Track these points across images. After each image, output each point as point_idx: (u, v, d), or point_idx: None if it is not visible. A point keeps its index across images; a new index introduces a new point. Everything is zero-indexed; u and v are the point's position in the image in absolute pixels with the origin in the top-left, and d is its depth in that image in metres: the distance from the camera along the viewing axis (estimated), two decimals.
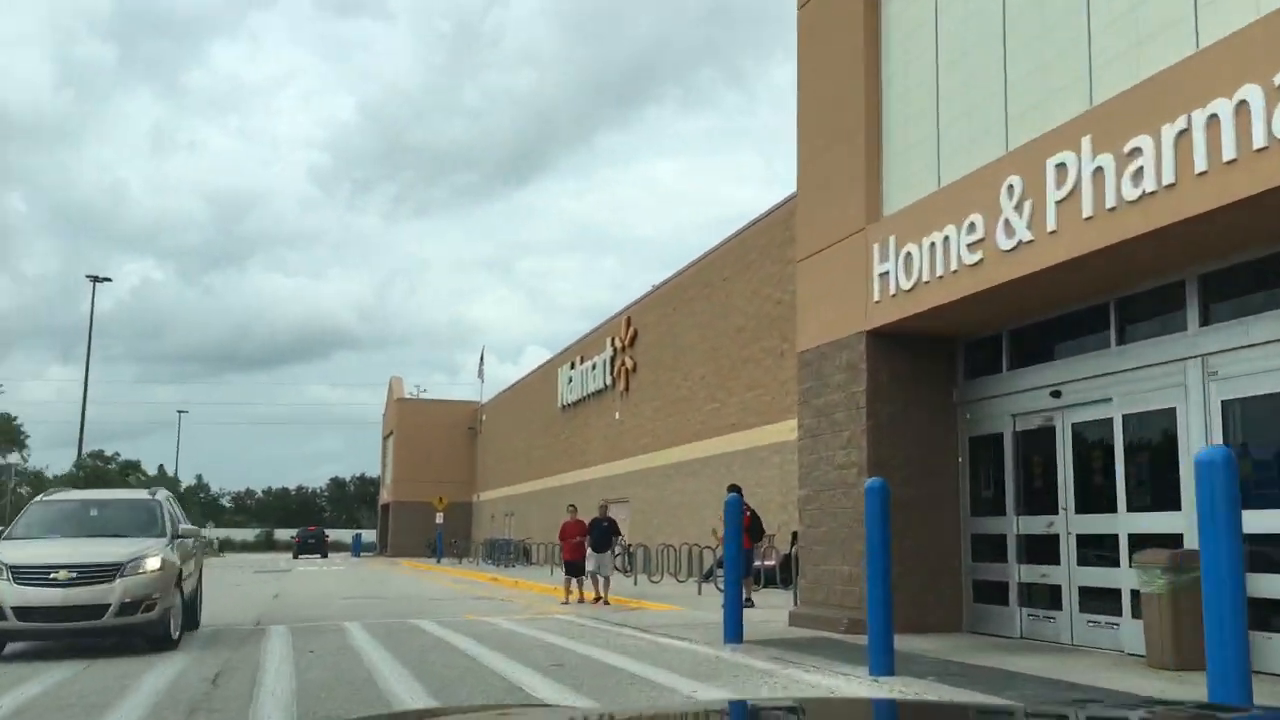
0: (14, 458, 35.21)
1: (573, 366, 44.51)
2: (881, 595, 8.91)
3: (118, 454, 57.93)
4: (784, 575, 22.70)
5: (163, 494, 14.35)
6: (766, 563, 22.95)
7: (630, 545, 33.72)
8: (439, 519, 53.55)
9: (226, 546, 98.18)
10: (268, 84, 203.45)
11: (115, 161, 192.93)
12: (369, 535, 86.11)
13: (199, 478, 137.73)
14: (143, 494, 15.04)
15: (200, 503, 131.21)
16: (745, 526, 18.18)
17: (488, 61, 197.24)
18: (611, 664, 10.50)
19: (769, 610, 16.23)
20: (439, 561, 51.12)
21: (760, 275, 27.33)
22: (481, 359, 64.41)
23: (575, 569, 20.60)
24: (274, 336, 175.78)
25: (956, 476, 12.81)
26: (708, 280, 30.99)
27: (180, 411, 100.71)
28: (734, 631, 11.39)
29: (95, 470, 48.28)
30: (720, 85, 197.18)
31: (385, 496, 74.27)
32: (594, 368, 41.33)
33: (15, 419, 34.24)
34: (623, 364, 37.85)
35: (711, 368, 30.14)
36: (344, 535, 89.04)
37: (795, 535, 24.44)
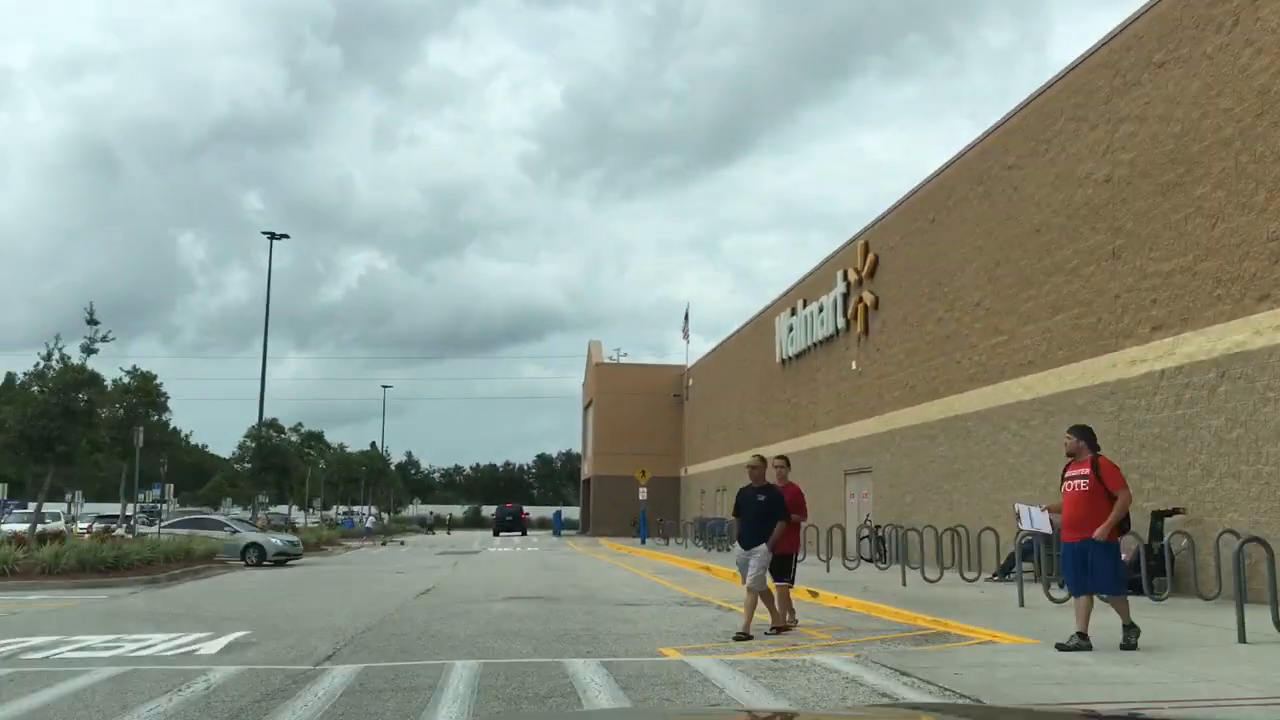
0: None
1: (793, 313, 37.23)
2: None
3: (300, 424, 54.70)
4: (1146, 573, 14.91)
5: None
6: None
7: (879, 528, 26.32)
8: (642, 494, 47.43)
9: (448, 524, 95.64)
10: (479, 77, 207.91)
11: (342, 158, 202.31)
12: (571, 513, 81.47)
13: (409, 454, 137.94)
14: None
15: (411, 479, 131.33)
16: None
17: (689, 42, 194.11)
18: None
19: (1219, 656, 8.69)
20: (643, 543, 45.04)
21: (1073, 149, 19.30)
22: (686, 317, 57.73)
23: (778, 568, 12.02)
24: (490, 320, 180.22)
25: None
26: (981, 175, 23.10)
27: (385, 386, 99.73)
28: None
29: (268, 441, 44.57)
30: (927, 51, 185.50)
31: (586, 471, 69.12)
32: (820, 310, 33.92)
33: (155, 378, 30.72)
34: (859, 301, 30.31)
35: (990, 290, 22.32)
36: (547, 512, 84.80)
37: (1158, 516, 16.48)
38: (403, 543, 55.30)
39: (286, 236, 49.23)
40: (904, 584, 17.99)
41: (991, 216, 22.39)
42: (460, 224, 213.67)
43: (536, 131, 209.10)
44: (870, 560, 25.24)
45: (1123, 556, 14.80)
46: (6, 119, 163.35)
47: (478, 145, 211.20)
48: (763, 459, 12.38)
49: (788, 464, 13.10)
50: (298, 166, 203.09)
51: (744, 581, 11.93)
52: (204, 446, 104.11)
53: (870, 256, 29.54)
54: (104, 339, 22.85)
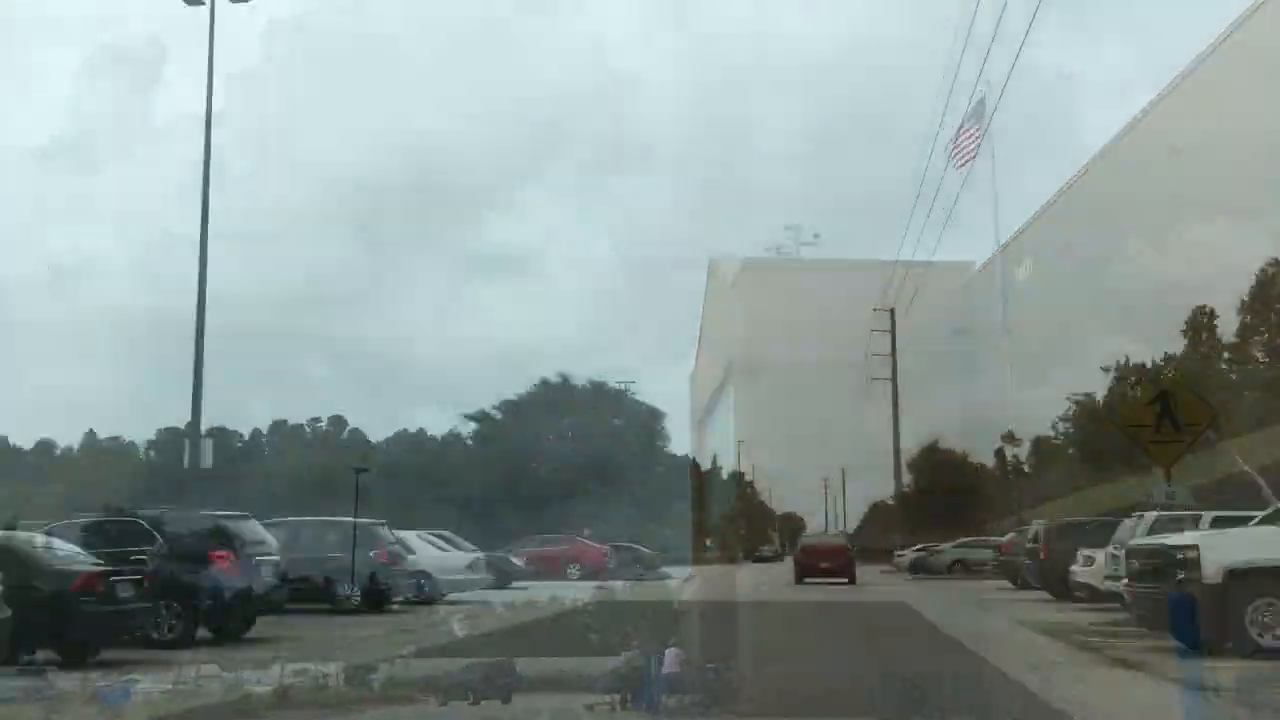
0: None
1: None
2: None
3: None
4: None
5: None
6: None
7: None
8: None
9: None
10: (538, 244, 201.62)
11: (408, 325, 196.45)
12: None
13: None
14: None
15: None
16: None
17: (739, 201, 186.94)
18: None
19: None
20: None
21: None
22: (980, 109, 30.71)
23: None
24: (551, 474, 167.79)
25: None
26: None
27: (358, 468, 74.07)
28: None
29: None
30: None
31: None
32: None
33: None
34: None
35: None
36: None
37: None
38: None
39: None
40: None
41: None
42: (525, 384, 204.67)
43: (593, 295, 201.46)
44: None
45: None
46: (86, 297, 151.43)
47: (538, 311, 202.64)
48: None
49: None
50: (363, 332, 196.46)
51: None
52: None
53: None
54: None
